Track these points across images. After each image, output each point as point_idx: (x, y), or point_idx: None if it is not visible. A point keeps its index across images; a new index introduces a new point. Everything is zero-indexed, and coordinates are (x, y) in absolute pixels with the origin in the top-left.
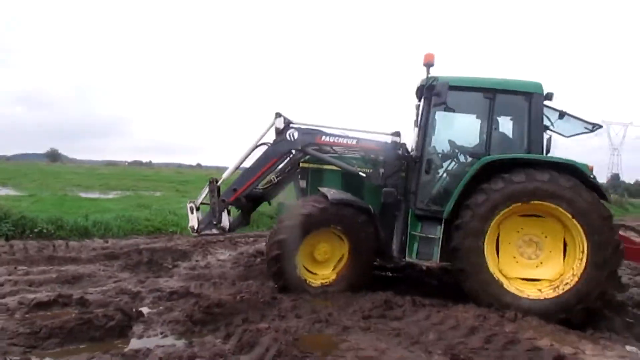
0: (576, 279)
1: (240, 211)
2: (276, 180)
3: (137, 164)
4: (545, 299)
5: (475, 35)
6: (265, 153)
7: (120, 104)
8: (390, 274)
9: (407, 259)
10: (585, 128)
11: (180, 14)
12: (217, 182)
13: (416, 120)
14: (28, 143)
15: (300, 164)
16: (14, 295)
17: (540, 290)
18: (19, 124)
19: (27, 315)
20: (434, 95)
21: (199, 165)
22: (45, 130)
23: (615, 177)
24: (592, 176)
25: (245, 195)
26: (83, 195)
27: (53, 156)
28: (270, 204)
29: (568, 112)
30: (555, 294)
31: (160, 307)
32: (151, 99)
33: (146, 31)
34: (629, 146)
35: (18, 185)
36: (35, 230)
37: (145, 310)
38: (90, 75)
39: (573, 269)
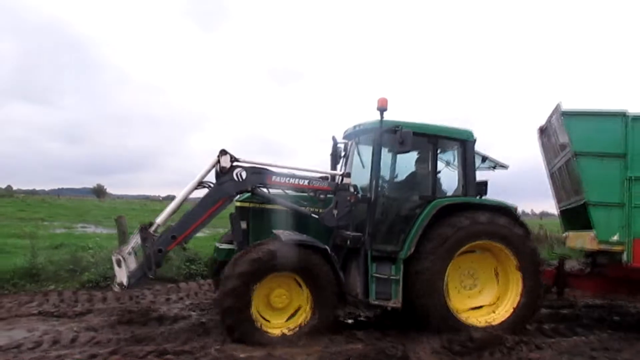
0: (518, 298)
1: (143, 261)
2: None
3: (171, 198)
4: (502, 321)
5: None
6: (210, 194)
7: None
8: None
9: (371, 301)
10: (497, 167)
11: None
12: (149, 227)
13: (345, 160)
14: (65, 178)
15: (238, 204)
16: None
17: (494, 312)
18: (55, 159)
19: None
20: (399, 142)
21: None
22: (82, 165)
23: None
24: (518, 215)
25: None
26: None
27: (99, 192)
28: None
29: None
30: (508, 314)
31: None
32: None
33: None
34: None
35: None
36: None
37: None
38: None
39: (511, 291)
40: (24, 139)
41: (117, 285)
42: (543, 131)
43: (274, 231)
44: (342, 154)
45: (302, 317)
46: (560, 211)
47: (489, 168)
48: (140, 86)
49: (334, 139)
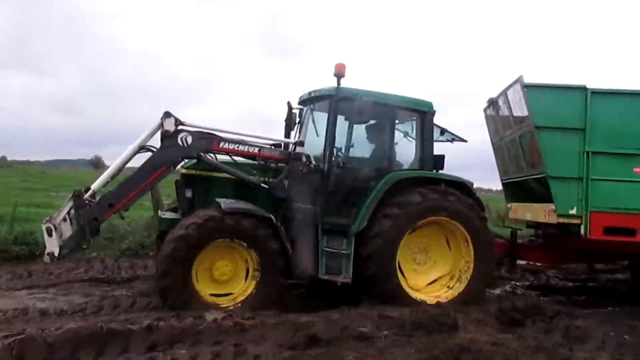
0: (472, 264)
1: (77, 230)
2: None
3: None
4: (459, 294)
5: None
6: (151, 160)
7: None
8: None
9: (320, 276)
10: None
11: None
12: (84, 194)
13: (300, 127)
14: (59, 149)
15: (184, 171)
16: None
17: (449, 287)
18: (51, 131)
19: None
20: (355, 112)
21: None
22: (76, 136)
23: None
24: (474, 190)
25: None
26: None
27: (97, 163)
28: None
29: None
30: (463, 285)
31: None
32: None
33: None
34: None
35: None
36: None
37: None
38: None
39: (464, 257)
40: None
41: (47, 256)
42: (493, 103)
43: (217, 199)
44: (297, 120)
45: (247, 290)
46: (504, 183)
47: (447, 141)
48: (138, 55)
49: (288, 104)
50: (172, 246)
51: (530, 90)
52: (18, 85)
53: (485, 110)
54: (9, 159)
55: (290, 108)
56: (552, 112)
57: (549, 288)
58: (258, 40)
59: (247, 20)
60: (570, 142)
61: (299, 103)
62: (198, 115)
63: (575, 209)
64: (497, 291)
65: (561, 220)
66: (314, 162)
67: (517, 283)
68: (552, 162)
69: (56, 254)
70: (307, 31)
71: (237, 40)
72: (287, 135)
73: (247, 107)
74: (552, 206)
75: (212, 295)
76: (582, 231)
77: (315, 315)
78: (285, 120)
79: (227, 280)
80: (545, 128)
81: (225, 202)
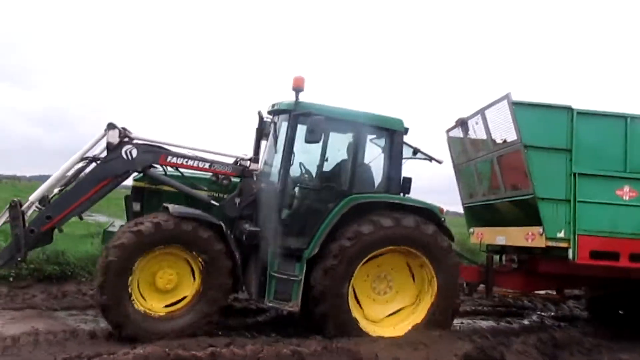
0: (435, 294)
1: (12, 242)
2: None
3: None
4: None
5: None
6: (93, 172)
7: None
8: None
9: (266, 302)
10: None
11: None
12: (21, 205)
13: (273, 137)
14: (45, 164)
15: (134, 183)
16: None
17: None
18: (37, 145)
19: None
20: (308, 131)
21: None
22: (63, 151)
23: None
24: (443, 218)
25: None
26: None
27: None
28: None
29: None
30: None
31: None
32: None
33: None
34: None
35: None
36: None
37: None
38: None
39: (428, 289)
40: None
41: None
42: (462, 124)
43: (165, 204)
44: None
45: (189, 300)
46: (467, 207)
47: (425, 159)
48: None
49: (259, 114)
50: (113, 255)
51: (518, 108)
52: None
53: (448, 131)
54: None
55: (261, 118)
56: (540, 131)
57: (573, 318)
58: None
59: None
60: (558, 163)
61: (268, 113)
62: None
63: (563, 231)
64: (525, 322)
65: (549, 243)
66: (270, 180)
67: (543, 313)
68: (541, 183)
69: None
70: None
71: None
72: (257, 146)
73: None
74: (537, 229)
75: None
76: (570, 255)
77: None
78: (257, 129)
79: (169, 291)
80: (533, 147)
81: (173, 207)
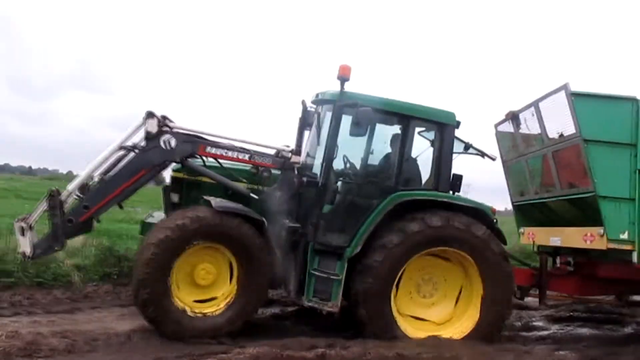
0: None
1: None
2: None
3: None
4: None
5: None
6: (131, 162)
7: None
8: None
9: (305, 301)
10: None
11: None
12: (59, 194)
13: (316, 128)
14: None
15: (173, 174)
16: None
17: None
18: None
19: None
20: (353, 123)
21: None
22: None
23: None
24: (495, 220)
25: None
26: None
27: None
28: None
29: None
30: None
31: None
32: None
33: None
34: None
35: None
36: None
37: None
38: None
39: (473, 297)
40: None
41: (20, 255)
42: (513, 117)
43: (205, 197)
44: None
45: (228, 298)
46: (517, 206)
47: (477, 155)
48: None
49: (303, 103)
50: (152, 251)
51: (578, 99)
52: None
53: (497, 125)
54: None
55: (304, 107)
56: (602, 124)
57: None
58: None
59: None
60: (621, 159)
61: (312, 102)
62: None
63: (626, 233)
64: (627, 329)
65: (611, 245)
66: (312, 173)
67: None
68: (602, 180)
69: (28, 254)
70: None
71: None
72: (300, 137)
73: None
74: (597, 230)
75: (195, 302)
76: (635, 259)
77: None
78: (300, 119)
79: (207, 285)
80: (594, 142)
81: (215, 200)
